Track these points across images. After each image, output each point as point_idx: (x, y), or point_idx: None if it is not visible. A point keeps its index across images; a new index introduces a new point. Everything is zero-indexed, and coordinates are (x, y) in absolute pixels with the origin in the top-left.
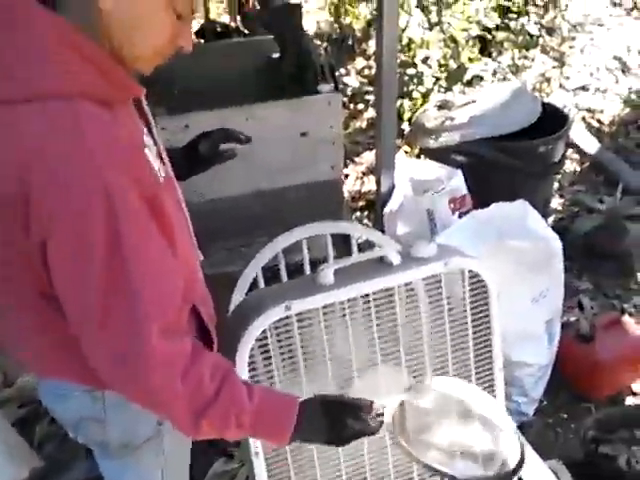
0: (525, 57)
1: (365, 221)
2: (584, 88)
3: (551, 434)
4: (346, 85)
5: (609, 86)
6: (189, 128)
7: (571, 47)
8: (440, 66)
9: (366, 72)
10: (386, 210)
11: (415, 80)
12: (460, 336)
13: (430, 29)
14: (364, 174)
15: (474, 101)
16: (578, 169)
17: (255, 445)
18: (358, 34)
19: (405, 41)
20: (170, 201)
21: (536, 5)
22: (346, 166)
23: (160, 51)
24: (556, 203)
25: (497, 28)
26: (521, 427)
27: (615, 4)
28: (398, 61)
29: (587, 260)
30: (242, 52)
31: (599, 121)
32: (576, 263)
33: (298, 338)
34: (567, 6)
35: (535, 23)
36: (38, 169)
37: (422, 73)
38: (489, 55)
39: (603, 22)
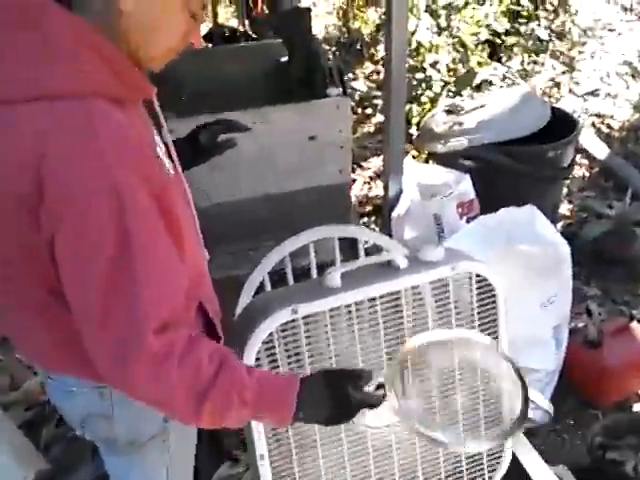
0: (535, 62)
1: (372, 226)
2: (594, 93)
3: (558, 440)
4: (354, 90)
5: (619, 91)
6: None
7: (581, 52)
8: (449, 70)
9: (374, 77)
10: (394, 215)
11: (424, 84)
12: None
13: (439, 33)
14: (372, 179)
15: (483, 106)
16: (587, 174)
17: (260, 448)
18: (367, 38)
19: (414, 45)
20: (178, 199)
21: (546, 10)
22: (354, 171)
23: (173, 49)
24: (565, 208)
25: (507, 33)
26: (528, 433)
27: (626, 9)
28: (407, 65)
29: (596, 266)
30: (251, 56)
31: (609, 126)
32: (585, 269)
33: (305, 341)
34: (577, 11)
35: (545, 28)
36: (50, 167)
37: (431, 77)
38: (498, 60)
39: (614, 27)
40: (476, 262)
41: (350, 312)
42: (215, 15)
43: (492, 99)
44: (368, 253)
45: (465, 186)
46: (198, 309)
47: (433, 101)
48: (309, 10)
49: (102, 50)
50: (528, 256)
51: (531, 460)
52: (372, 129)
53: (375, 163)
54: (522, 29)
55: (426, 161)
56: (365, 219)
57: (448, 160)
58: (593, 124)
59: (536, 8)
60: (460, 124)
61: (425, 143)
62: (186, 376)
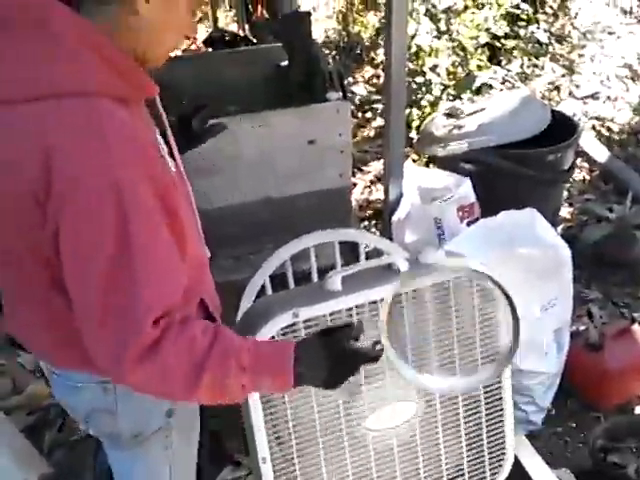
0: (535, 65)
1: (373, 230)
2: (594, 96)
3: (560, 443)
4: (354, 94)
5: (619, 94)
6: None
7: (581, 55)
8: (449, 74)
9: (374, 81)
10: (394, 218)
11: (424, 88)
12: (468, 343)
13: (439, 37)
14: (372, 183)
15: (483, 109)
16: (587, 177)
17: (262, 451)
18: (366, 43)
19: (414, 49)
20: (181, 198)
21: (546, 13)
22: (354, 175)
23: (176, 46)
24: (565, 212)
25: (506, 36)
26: (530, 436)
27: (626, 12)
28: (407, 69)
29: (596, 269)
30: (251, 60)
31: (609, 129)
32: (585, 272)
33: None
34: (577, 14)
35: (545, 31)
36: (56, 165)
37: (431, 81)
38: (498, 63)
39: (613, 30)
40: (477, 265)
41: (351, 315)
42: (215, 19)
43: (492, 102)
44: (369, 257)
45: (465, 189)
46: (199, 304)
47: (433, 105)
48: (309, 14)
49: (103, 50)
50: (529, 259)
51: (533, 463)
52: (372, 133)
53: (375, 167)
54: (522, 32)
55: (426, 165)
56: (366, 223)
57: (448, 163)
58: (593, 127)
59: (535, 11)
60: (460, 127)
61: (425, 147)
62: (182, 352)
